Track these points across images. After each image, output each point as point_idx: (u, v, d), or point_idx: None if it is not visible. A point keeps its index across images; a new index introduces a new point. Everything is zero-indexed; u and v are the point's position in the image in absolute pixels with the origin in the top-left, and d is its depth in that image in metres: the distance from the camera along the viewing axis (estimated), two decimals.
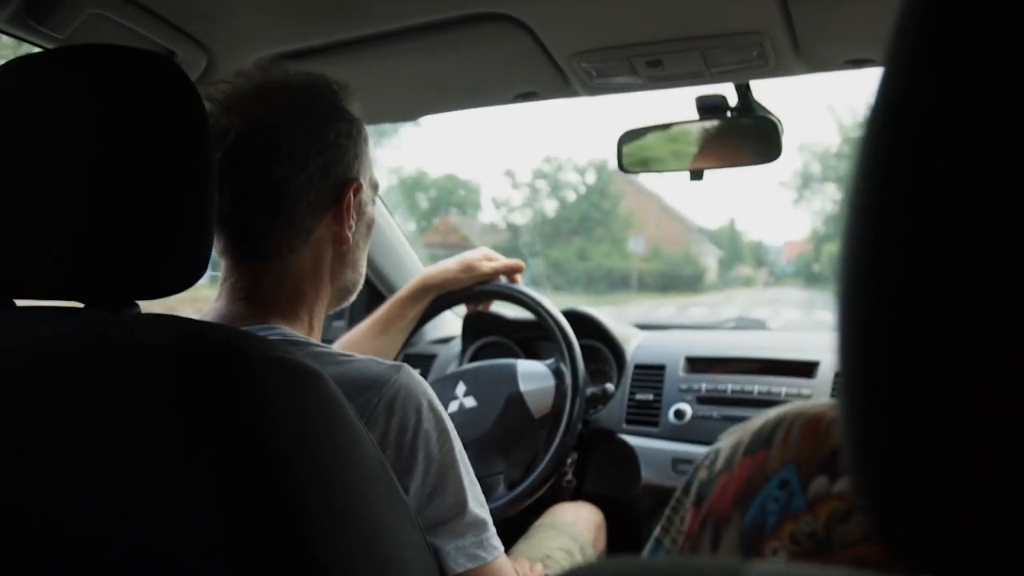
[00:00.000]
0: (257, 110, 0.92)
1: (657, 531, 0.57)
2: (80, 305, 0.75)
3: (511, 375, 1.51)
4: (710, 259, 36.91)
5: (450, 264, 1.53)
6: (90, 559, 0.66)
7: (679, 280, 32.12)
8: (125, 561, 0.65)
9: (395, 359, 1.46)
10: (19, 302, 0.79)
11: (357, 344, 1.45)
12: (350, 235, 0.97)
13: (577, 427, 1.47)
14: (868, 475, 0.28)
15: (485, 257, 1.54)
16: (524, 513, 1.47)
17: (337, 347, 1.44)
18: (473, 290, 1.54)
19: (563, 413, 1.46)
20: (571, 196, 33.07)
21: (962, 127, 0.25)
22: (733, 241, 42.58)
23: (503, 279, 1.55)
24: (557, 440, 1.44)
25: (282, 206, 0.92)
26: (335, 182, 0.94)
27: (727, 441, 0.54)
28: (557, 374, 1.52)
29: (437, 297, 1.52)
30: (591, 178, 32.67)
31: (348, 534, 0.70)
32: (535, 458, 1.48)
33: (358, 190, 0.97)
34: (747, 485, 0.49)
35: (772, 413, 0.52)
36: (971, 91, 0.25)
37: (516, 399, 1.48)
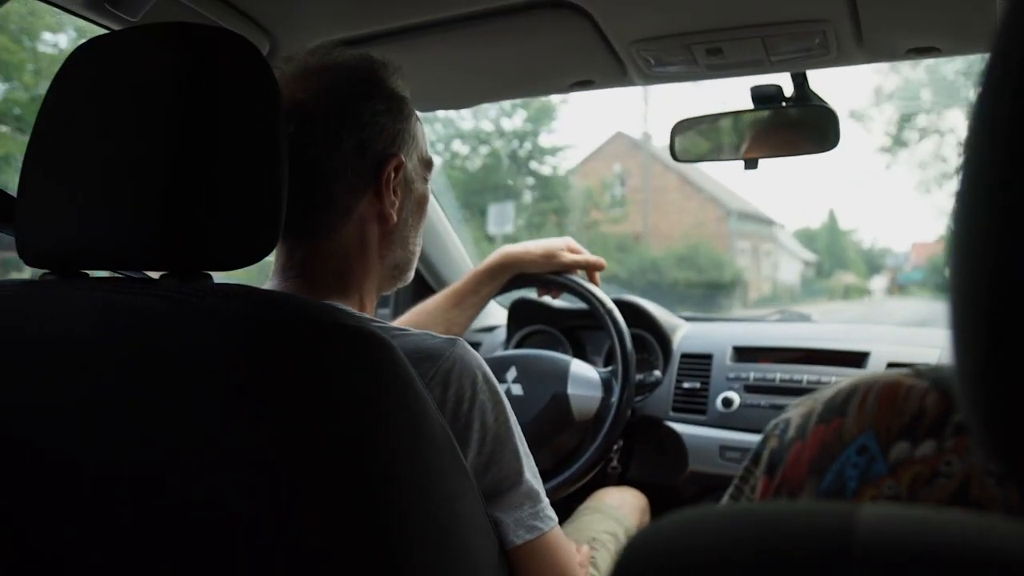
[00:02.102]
0: (296, 93, 0.93)
1: (726, 499, 0.58)
2: (155, 276, 0.77)
3: (563, 374, 1.51)
4: (785, 262, 30.01)
5: (532, 247, 1.52)
6: (157, 515, 0.68)
7: (694, 292, 20.74)
8: (194, 520, 0.67)
9: (462, 333, 1.47)
10: (93, 273, 0.81)
11: (430, 314, 1.46)
12: (393, 212, 0.97)
13: (619, 430, 1.47)
14: (998, 415, 0.29)
15: (567, 247, 1.52)
16: (568, 498, 1.48)
17: (410, 315, 1.46)
18: (551, 278, 1.52)
19: (605, 422, 1.46)
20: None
21: None
22: (833, 241, 35.05)
23: (581, 273, 1.54)
24: (604, 431, 1.44)
25: (319, 185, 0.93)
26: (373, 159, 0.95)
27: (796, 411, 0.55)
28: (607, 386, 1.52)
29: (516, 275, 1.51)
30: (516, 124, 20.50)
31: (412, 501, 0.71)
32: (565, 456, 1.49)
33: (399, 167, 0.96)
34: (822, 452, 0.50)
35: (844, 382, 0.53)
36: None
37: (561, 399, 1.48)
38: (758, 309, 21.19)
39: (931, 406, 0.48)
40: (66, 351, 0.73)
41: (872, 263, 36.27)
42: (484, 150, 21.08)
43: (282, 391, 0.66)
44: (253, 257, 0.75)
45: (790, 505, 0.40)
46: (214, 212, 0.71)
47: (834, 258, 34.61)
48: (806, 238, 35.09)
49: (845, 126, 1.29)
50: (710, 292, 21.32)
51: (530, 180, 21.58)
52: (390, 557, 0.69)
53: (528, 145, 20.91)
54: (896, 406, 0.49)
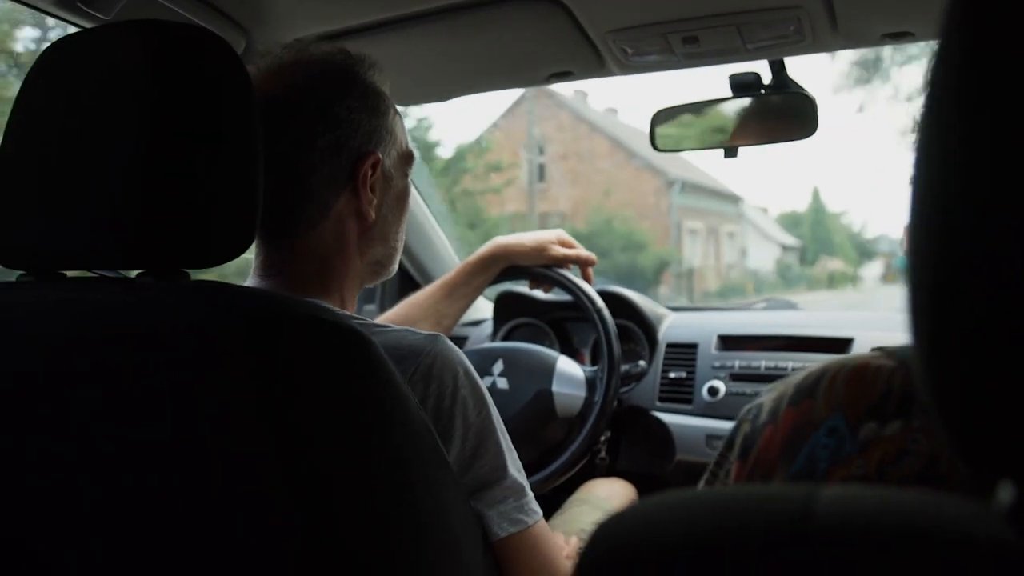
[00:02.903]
0: (271, 89, 0.92)
1: (702, 484, 0.58)
2: (130, 275, 0.77)
3: (548, 370, 1.51)
4: (758, 246, 26.90)
5: (525, 239, 1.51)
6: (133, 515, 0.68)
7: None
8: (177, 520, 0.67)
9: (453, 325, 1.47)
10: (69, 273, 0.81)
11: (420, 307, 1.45)
12: (370, 209, 0.96)
13: (603, 427, 1.47)
14: (949, 395, 0.30)
15: (559, 241, 1.51)
16: (558, 489, 1.49)
17: (400, 308, 1.45)
18: (542, 272, 1.51)
19: (588, 419, 1.46)
20: None
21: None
22: (817, 223, 31.75)
23: (574, 268, 1.53)
24: (587, 428, 1.45)
25: (296, 182, 0.92)
26: (350, 157, 0.94)
27: (768, 396, 0.56)
28: (591, 385, 1.52)
29: (507, 268, 1.50)
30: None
31: (393, 494, 0.71)
32: (551, 450, 1.49)
33: (376, 164, 0.96)
34: (794, 434, 0.50)
35: (813, 366, 0.53)
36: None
37: (545, 396, 1.49)
38: (711, 302, 18.78)
39: (898, 386, 0.49)
40: (42, 352, 0.73)
41: (864, 248, 33.43)
42: None
43: (259, 387, 0.66)
44: (229, 255, 0.75)
45: (752, 488, 0.41)
46: (189, 210, 0.71)
47: (819, 243, 31.70)
48: (791, 222, 32.38)
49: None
50: (619, 279, 15.34)
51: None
52: (372, 551, 0.69)
53: None
54: (864, 387, 0.50)
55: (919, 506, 0.31)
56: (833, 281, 29.13)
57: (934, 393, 0.31)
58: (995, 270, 0.28)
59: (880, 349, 0.55)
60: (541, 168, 20.39)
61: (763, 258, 27.60)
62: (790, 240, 30.61)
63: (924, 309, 0.31)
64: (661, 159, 19.89)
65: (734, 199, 26.64)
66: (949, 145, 0.30)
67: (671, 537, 0.35)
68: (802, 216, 33.05)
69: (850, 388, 0.50)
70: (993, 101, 0.28)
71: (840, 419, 0.49)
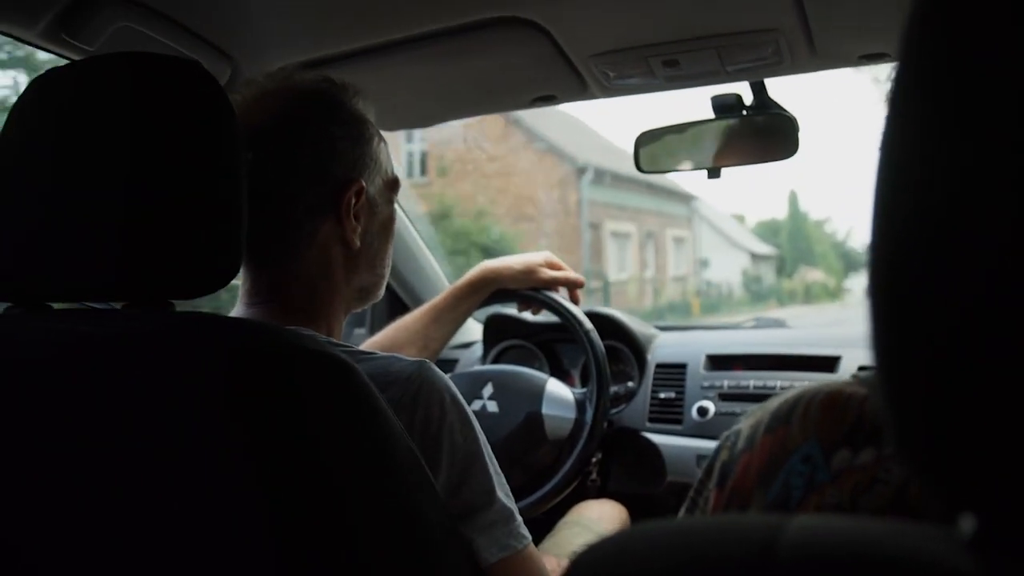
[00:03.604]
0: (255, 118, 0.92)
1: (682, 512, 0.58)
2: (116, 307, 0.77)
3: (538, 393, 1.51)
4: (721, 255, 23.34)
5: (512, 263, 1.51)
6: (119, 546, 0.68)
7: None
8: (156, 549, 0.67)
9: (441, 348, 1.48)
10: (56, 306, 0.81)
11: (408, 330, 1.45)
12: (354, 238, 0.96)
13: (593, 449, 1.47)
14: (909, 424, 0.30)
15: (547, 263, 1.52)
16: (549, 512, 1.48)
17: (388, 331, 1.45)
18: (531, 295, 1.51)
19: (578, 442, 1.46)
20: None
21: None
22: (796, 230, 29.19)
23: (562, 291, 1.54)
24: (577, 451, 1.45)
25: (280, 211, 0.92)
26: (333, 185, 0.94)
27: (746, 422, 0.56)
28: (581, 407, 1.52)
29: (495, 291, 1.50)
30: None
31: (383, 521, 0.71)
32: (541, 473, 1.48)
33: (360, 192, 0.96)
34: (769, 462, 0.51)
35: (790, 393, 0.54)
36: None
37: (535, 419, 1.49)
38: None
39: (870, 413, 0.49)
40: (27, 383, 0.73)
41: (849, 258, 30.76)
42: None
43: (244, 419, 0.66)
44: (214, 285, 0.75)
45: (722, 519, 0.41)
46: (173, 241, 0.72)
47: (798, 252, 28.86)
48: (770, 230, 29.54)
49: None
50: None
51: None
52: (359, 574, 0.69)
53: None
54: (837, 414, 0.50)
55: (882, 536, 0.32)
56: (811, 294, 26.70)
57: (894, 424, 0.31)
58: (952, 296, 0.28)
59: (857, 373, 0.55)
60: (423, 158, 16.01)
61: (729, 269, 24.15)
62: (764, 249, 27.37)
63: (882, 338, 0.31)
64: (570, 142, 16.11)
65: (684, 198, 22.11)
66: (904, 167, 0.30)
67: (642, 570, 0.35)
68: (782, 224, 30.62)
69: (824, 415, 0.50)
70: (948, 120, 0.29)
71: (814, 446, 0.49)
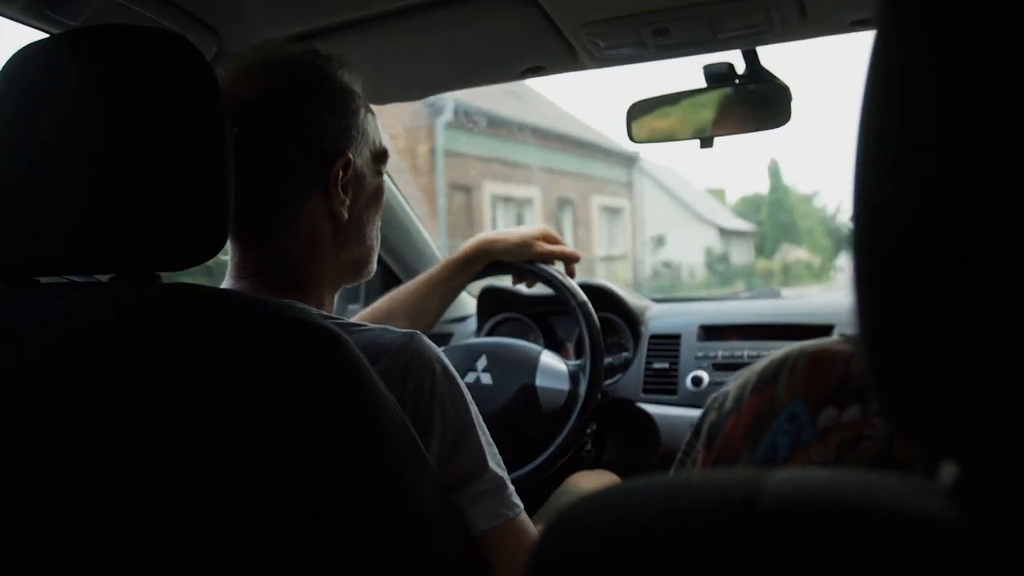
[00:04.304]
0: (240, 92, 0.92)
1: (671, 473, 0.59)
2: (103, 279, 0.77)
3: (532, 365, 1.51)
4: (680, 230, 19.49)
5: (509, 235, 1.51)
6: (107, 519, 0.69)
7: None
8: (143, 522, 0.67)
9: (435, 321, 1.47)
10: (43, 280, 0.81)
11: (401, 302, 1.45)
12: (343, 211, 0.96)
13: (587, 421, 1.48)
14: (890, 377, 0.30)
15: (544, 237, 1.51)
16: (544, 483, 1.49)
17: (381, 303, 1.45)
18: (526, 267, 1.51)
19: (572, 414, 1.47)
20: None
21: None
22: (778, 205, 25.37)
23: (559, 265, 1.54)
24: (571, 422, 1.45)
25: (267, 184, 0.92)
26: (320, 157, 0.94)
27: (734, 383, 0.56)
28: (574, 379, 1.52)
29: (491, 263, 1.50)
30: None
31: (374, 490, 0.72)
32: (536, 445, 1.49)
33: (347, 164, 0.96)
34: (756, 422, 0.51)
35: (776, 353, 0.54)
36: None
37: (529, 390, 1.49)
38: None
39: (856, 371, 0.49)
40: (14, 357, 0.73)
41: (839, 235, 26.30)
42: None
43: (231, 388, 0.66)
44: (200, 257, 0.75)
45: (705, 474, 0.41)
46: (159, 214, 0.72)
47: (780, 228, 25.34)
48: (753, 206, 26.39)
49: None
50: None
51: None
52: (351, 545, 0.70)
53: None
54: (822, 372, 0.50)
55: (863, 486, 0.32)
56: (790, 275, 23.11)
57: (875, 375, 0.32)
58: (931, 255, 0.28)
59: (844, 333, 0.55)
60: None
61: (692, 247, 20.50)
62: (736, 224, 23.70)
63: (863, 290, 0.31)
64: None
65: (623, 159, 17.15)
66: (884, 134, 0.30)
67: (623, 523, 0.35)
68: (765, 199, 27.05)
69: (809, 374, 0.50)
70: (927, 89, 0.29)
71: (800, 405, 0.50)
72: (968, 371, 0.28)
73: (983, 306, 0.27)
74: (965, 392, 0.28)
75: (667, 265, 20.49)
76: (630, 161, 17.29)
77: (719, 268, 21.60)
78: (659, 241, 20.50)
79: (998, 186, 0.26)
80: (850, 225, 0.32)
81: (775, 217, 25.54)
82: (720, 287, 19.55)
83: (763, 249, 24.87)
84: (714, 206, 23.71)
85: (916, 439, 0.31)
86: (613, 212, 17.18)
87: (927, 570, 0.29)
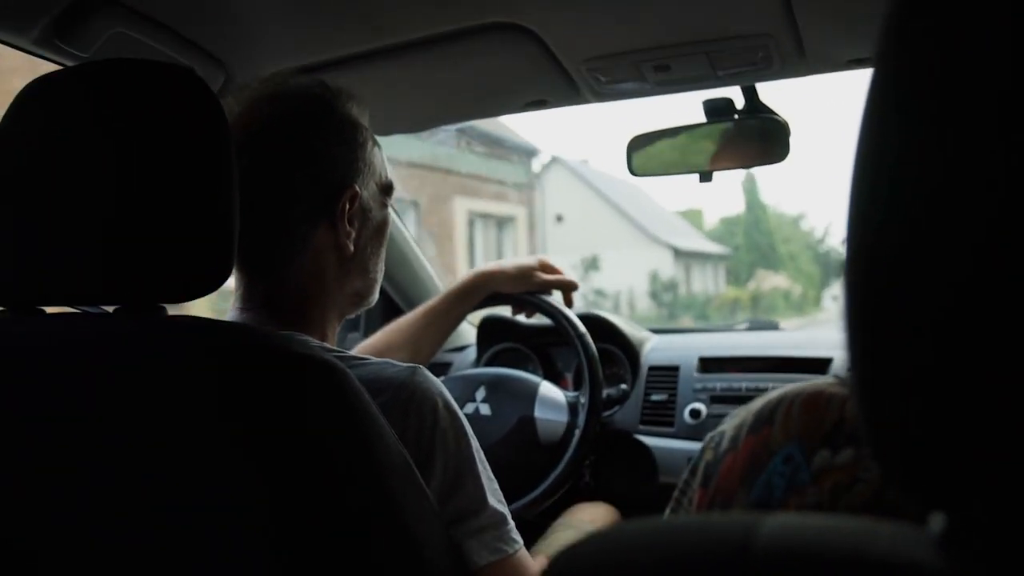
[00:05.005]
0: (248, 124, 0.93)
1: (667, 512, 0.59)
2: (109, 310, 0.78)
3: (531, 396, 1.51)
4: (621, 253, 16.59)
5: (507, 267, 1.52)
6: (113, 550, 0.69)
7: None
8: (148, 549, 0.67)
9: (433, 352, 1.48)
10: (49, 310, 0.81)
11: (401, 333, 1.46)
12: (349, 243, 0.97)
13: (585, 453, 1.47)
14: (883, 426, 0.31)
15: (541, 267, 1.52)
16: (542, 514, 1.49)
17: (381, 335, 1.46)
18: (525, 298, 1.52)
19: (570, 445, 1.46)
20: None
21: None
22: (753, 224, 22.87)
23: (557, 294, 1.54)
24: (569, 454, 1.45)
25: (273, 217, 0.93)
26: (327, 191, 0.94)
27: (731, 423, 0.57)
28: (573, 410, 1.52)
29: (491, 295, 1.51)
30: None
31: (373, 525, 0.72)
32: (534, 476, 1.48)
33: (354, 197, 0.96)
34: (752, 462, 0.51)
35: (773, 393, 0.54)
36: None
37: (528, 422, 1.49)
38: None
39: (851, 414, 0.50)
40: (17, 388, 0.74)
41: (831, 264, 23.89)
42: None
43: (233, 420, 0.66)
44: (205, 289, 0.75)
45: (701, 518, 0.42)
46: (164, 246, 0.72)
47: (755, 251, 22.22)
48: (732, 228, 23.33)
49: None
50: None
51: None
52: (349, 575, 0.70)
53: None
54: (818, 415, 0.51)
55: (854, 534, 0.33)
56: (760, 307, 20.11)
57: (868, 426, 0.32)
58: (926, 300, 0.29)
59: (839, 374, 0.56)
60: None
61: (634, 271, 17.15)
62: (705, 247, 20.41)
63: (856, 340, 0.32)
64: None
65: (523, 152, 13.63)
66: (880, 170, 0.31)
67: (622, 566, 0.36)
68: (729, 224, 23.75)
69: (805, 416, 0.51)
70: (924, 122, 0.30)
71: (796, 447, 0.50)
72: (955, 422, 0.29)
73: (971, 359, 0.27)
74: (952, 442, 0.29)
75: (599, 293, 17.27)
76: (529, 153, 12.36)
77: (665, 298, 18.15)
78: (591, 264, 16.99)
79: (996, 223, 0.27)
80: (841, 252, 0.33)
81: (751, 239, 22.76)
82: (666, 320, 16.71)
83: (737, 275, 21.80)
84: (677, 225, 20.19)
85: (906, 490, 0.32)
86: (502, 224, 13.48)
87: None
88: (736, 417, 0.57)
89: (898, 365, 0.30)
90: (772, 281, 21.80)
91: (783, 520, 0.34)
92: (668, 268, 18.78)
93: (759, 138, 1.37)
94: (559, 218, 16.05)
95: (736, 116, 1.37)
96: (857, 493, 0.46)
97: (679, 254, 18.91)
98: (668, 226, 19.49)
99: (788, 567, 0.32)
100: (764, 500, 0.50)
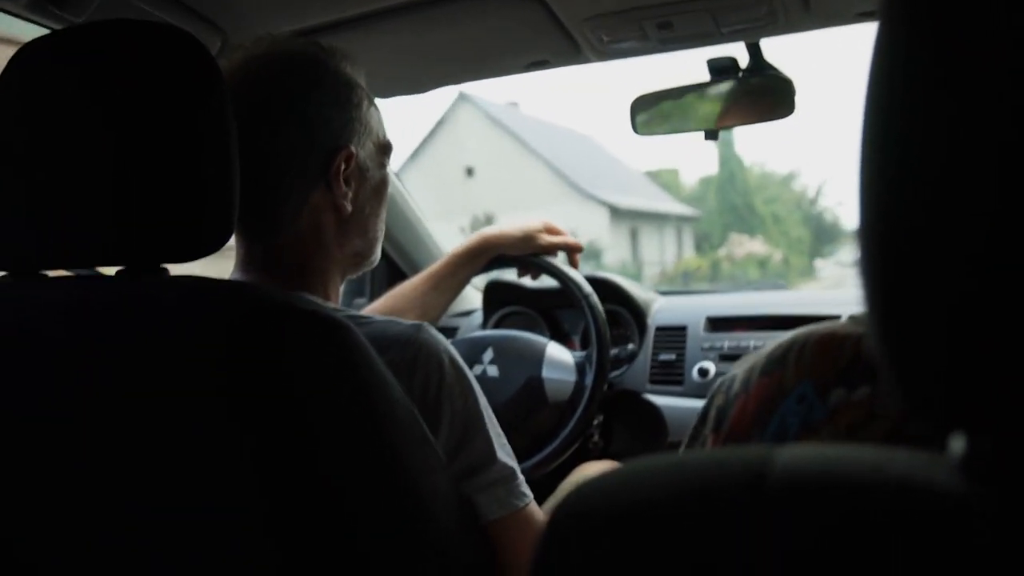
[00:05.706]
0: (242, 85, 0.92)
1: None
2: (111, 272, 0.78)
3: (538, 357, 1.52)
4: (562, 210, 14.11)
5: (511, 230, 1.51)
6: (115, 511, 0.69)
7: None
8: (153, 513, 0.68)
9: (439, 316, 1.48)
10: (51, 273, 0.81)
11: (407, 298, 1.46)
12: (346, 203, 0.96)
13: (593, 412, 1.48)
14: (901, 350, 0.31)
15: (546, 229, 1.52)
16: (551, 474, 1.50)
17: (386, 299, 1.46)
18: (530, 260, 1.52)
19: (579, 405, 1.47)
20: None
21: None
22: (728, 186, 20.47)
23: (562, 256, 1.54)
24: (577, 414, 1.46)
25: (270, 178, 0.92)
26: (322, 151, 0.94)
27: (741, 367, 0.56)
28: (581, 370, 1.52)
29: (495, 257, 1.50)
30: None
31: (378, 479, 0.72)
32: (543, 436, 1.49)
33: (350, 157, 0.96)
34: (765, 404, 0.51)
35: (784, 337, 0.54)
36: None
37: (536, 383, 1.50)
38: None
39: (866, 351, 0.49)
40: (31, 351, 0.74)
41: (824, 228, 21.15)
42: None
43: (240, 378, 0.67)
44: (206, 249, 0.75)
45: (714, 452, 0.42)
46: (164, 207, 0.72)
47: (729, 213, 19.62)
48: (707, 190, 20.38)
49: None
50: None
51: None
52: (359, 534, 0.71)
53: None
54: (831, 354, 0.50)
55: (872, 460, 0.32)
56: (722, 276, 16.97)
57: (885, 348, 0.32)
58: (949, 229, 0.29)
59: (852, 315, 0.55)
60: None
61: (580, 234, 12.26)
62: (662, 206, 17.53)
63: (872, 264, 0.32)
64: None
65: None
66: (890, 122, 0.31)
67: (634, 501, 0.36)
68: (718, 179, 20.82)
69: (818, 356, 0.51)
70: (931, 75, 0.29)
71: (809, 386, 0.50)
72: (976, 342, 0.28)
73: (995, 283, 0.27)
74: (973, 362, 0.29)
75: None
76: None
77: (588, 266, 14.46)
78: (485, 224, 13.67)
79: (1010, 175, 0.26)
80: (837, 212, 0.32)
81: (725, 199, 20.13)
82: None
83: (709, 240, 19.01)
84: (636, 184, 16.96)
85: (925, 412, 0.32)
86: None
87: (936, 541, 0.29)
88: (746, 361, 0.57)
89: (916, 285, 0.30)
90: (748, 247, 19.36)
91: (798, 450, 0.34)
92: (600, 230, 15.94)
93: (764, 95, 1.36)
94: (469, 171, 14.09)
95: (740, 74, 1.35)
96: (874, 429, 0.46)
97: (619, 214, 16.41)
98: (620, 184, 16.90)
99: (805, 494, 0.32)
100: (779, 440, 0.50)
